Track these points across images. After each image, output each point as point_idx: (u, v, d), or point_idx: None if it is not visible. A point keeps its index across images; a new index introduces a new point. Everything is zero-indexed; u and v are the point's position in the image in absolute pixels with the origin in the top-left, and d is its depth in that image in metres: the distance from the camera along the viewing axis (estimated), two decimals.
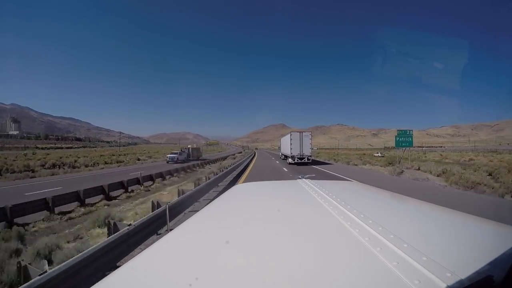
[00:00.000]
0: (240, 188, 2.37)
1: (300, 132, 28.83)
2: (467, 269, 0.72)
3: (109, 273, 0.88)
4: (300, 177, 2.59)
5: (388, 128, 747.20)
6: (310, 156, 27.99)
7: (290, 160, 28.15)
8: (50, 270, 2.90)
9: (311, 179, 2.37)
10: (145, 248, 1.11)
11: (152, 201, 7.22)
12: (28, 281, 2.74)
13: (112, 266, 3.95)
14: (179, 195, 8.57)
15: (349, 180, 12.70)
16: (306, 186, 2.06)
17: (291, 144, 27.60)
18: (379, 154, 68.60)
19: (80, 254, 3.39)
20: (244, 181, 14.00)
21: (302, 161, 27.36)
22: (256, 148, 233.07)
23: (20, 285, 2.73)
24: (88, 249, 3.55)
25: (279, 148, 44.36)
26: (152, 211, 6.33)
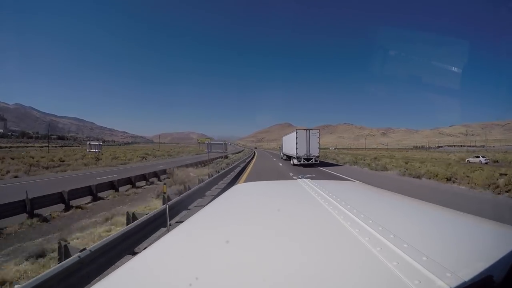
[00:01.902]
0: (240, 188, 2.40)
1: (306, 130, 25.95)
2: (467, 269, 0.73)
3: (109, 273, 0.89)
4: (300, 176, 2.61)
5: (396, 127, 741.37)
6: (318, 157, 25.62)
7: (295, 161, 25.64)
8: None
9: (311, 179, 2.38)
10: (144, 248, 1.10)
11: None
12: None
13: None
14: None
15: (349, 180, 12.38)
16: (306, 186, 2.08)
17: (296, 143, 25.15)
18: (483, 159, 38.48)
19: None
20: None
21: (309, 162, 25.03)
22: (256, 148, 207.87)
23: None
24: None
25: (280, 147, 41.05)
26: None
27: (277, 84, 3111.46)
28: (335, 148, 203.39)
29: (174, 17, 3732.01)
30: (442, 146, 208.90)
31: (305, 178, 2.43)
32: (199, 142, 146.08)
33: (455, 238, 1.07)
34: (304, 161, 24.96)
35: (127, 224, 5.72)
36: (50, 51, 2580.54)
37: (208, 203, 1.87)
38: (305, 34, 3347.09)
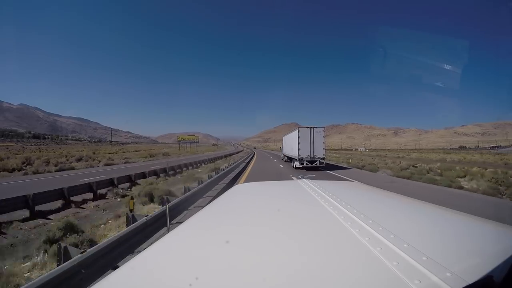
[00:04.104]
0: (240, 188, 2.44)
1: (310, 128, 22.84)
2: (467, 269, 0.74)
3: (109, 273, 0.90)
4: (300, 177, 2.64)
5: (404, 127, 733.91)
6: (323, 159, 22.78)
7: (297, 163, 22.83)
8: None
9: (311, 179, 2.41)
10: (144, 249, 1.14)
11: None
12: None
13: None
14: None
15: (349, 180, 12.37)
16: (306, 186, 2.11)
17: (299, 143, 22.36)
18: None
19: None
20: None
21: (313, 165, 22.31)
22: (255, 148, 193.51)
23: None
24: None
25: (281, 148, 37.25)
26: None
27: (284, 84, 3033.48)
28: (365, 149, 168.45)
29: (181, 17, 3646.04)
30: (498, 146, 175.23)
31: (305, 178, 2.46)
32: (179, 141, 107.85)
33: (455, 238, 1.08)
34: (307, 164, 22.35)
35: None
36: (58, 51, 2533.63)
37: (208, 203, 1.91)
38: (313, 35, 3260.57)
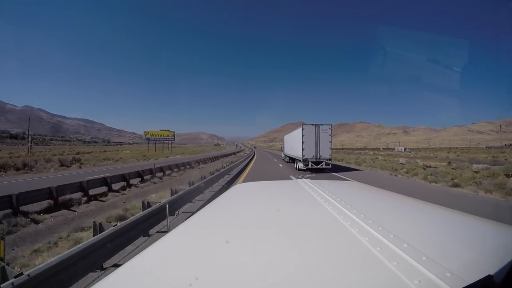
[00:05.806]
0: (239, 188, 2.46)
1: (315, 125, 20.85)
2: (467, 269, 0.75)
3: (109, 273, 0.92)
4: (300, 177, 2.68)
5: (412, 125, 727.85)
6: (330, 159, 20.84)
7: (300, 164, 21.09)
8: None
9: (311, 179, 2.43)
10: (144, 248, 1.16)
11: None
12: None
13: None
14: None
15: (349, 180, 12.30)
16: (306, 186, 2.13)
17: (303, 142, 20.50)
18: None
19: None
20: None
21: (319, 166, 20.55)
22: (255, 147, 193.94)
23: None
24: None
25: (282, 147, 35.71)
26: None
27: (289, 83, 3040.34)
28: (405, 149, 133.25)
29: (186, 17, 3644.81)
30: None
31: (305, 178, 2.49)
32: (147, 138, 76.80)
33: (455, 238, 1.09)
34: (312, 165, 20.62)
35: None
36: (66, 53, 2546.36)
37: (208, 203, 1.94)
38: (318, 34, 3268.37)
